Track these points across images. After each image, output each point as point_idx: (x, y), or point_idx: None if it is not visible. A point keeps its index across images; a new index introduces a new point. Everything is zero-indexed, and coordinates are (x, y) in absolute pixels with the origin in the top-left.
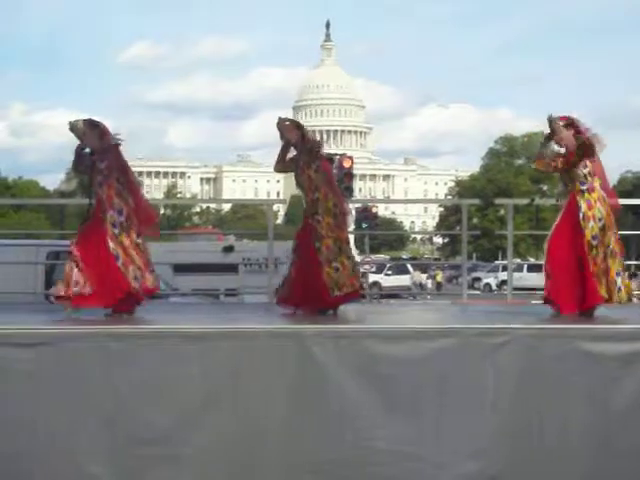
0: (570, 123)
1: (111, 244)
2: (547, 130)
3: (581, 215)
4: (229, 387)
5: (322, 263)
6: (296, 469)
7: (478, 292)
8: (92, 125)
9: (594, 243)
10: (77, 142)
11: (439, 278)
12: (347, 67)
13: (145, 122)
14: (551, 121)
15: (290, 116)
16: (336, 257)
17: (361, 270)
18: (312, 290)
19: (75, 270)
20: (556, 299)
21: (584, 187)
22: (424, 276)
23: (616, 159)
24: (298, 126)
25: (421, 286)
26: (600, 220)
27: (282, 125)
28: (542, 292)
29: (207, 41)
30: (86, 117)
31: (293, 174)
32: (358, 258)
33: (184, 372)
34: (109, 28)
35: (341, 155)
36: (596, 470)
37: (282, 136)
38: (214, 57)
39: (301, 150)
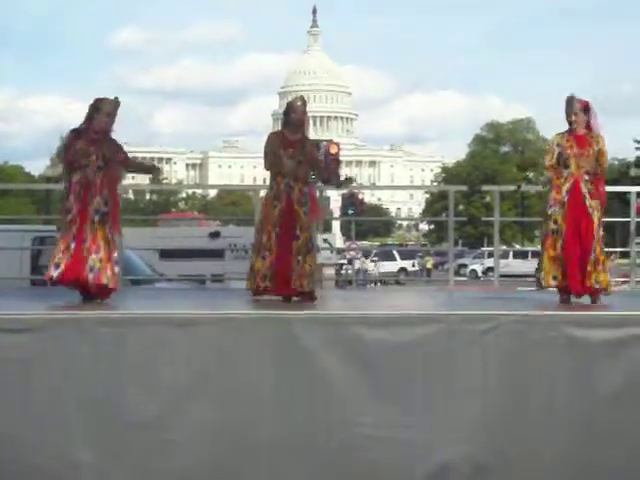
0: (587, 109)
1: (87, 228)
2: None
3: (587, 203)
4: (216, 372)
5: (294, 253)
6: (284, 454)
7: (465, 278)
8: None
9: (600, 233)
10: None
11: (429, 265)
12: (334, 53)
13: (131, 107)
14: (572, 99)
15: (276, 102)
16: (305, 252)
17: (347, 256)
18: (279, 276)
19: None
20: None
21: (588, 177)
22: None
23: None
24: (306, 113)
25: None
26: (598, 211)
27: (296, 105)
28: (528, 278)
29: (195, 26)
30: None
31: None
32: (344, 244)
33: (171, 357)
34: (99, 12)
35: (328, 141)
36: (582, 456)
37: (289, 113)
38: (202, 42)
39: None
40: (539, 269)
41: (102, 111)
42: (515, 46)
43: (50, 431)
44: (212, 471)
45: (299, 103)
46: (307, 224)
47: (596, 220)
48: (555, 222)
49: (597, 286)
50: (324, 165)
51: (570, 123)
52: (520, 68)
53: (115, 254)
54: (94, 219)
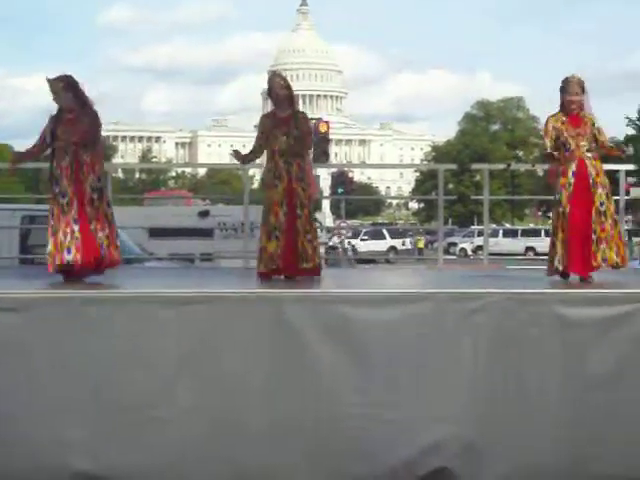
0: (584, 89)
1: (88, 208)
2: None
3: (591, 181)
4: (205, 351)
5: (299, 231)
6: (272, 434)
7: (454, 257)
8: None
9: (602, 209)
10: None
11: (421, 244)
12: (324, 32)
13: (121, 86)
14: (574, 79)
15: (265, 81)
16: (310, 229)
17: (338, 235)
18: (287, 257)
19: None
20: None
21: (590, 154)
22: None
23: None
24: (289, 87)
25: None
26: (605, 187)
27: (274, 82)
28: (517, 257)
29: (185, 5)
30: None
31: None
32: (334, 223)
33: (160, 336)
34: None
35: (317, 120)
36: (572, 433)
37: (271, 92)
38: (192, 21)
39: (293, 118)
40: (553, 254)
41: (52, 92)
42: (507, 23)
43: (39, 411)
44: (201, 451)
45: (277, 79)
46: (306, 200)
47: (597, 198)
48: (562, 205)
49: (603, 264)
50: (312, 142)
51: (570, 103)
52: (512, 45)
53: (115, 228)
54: (93, 197)
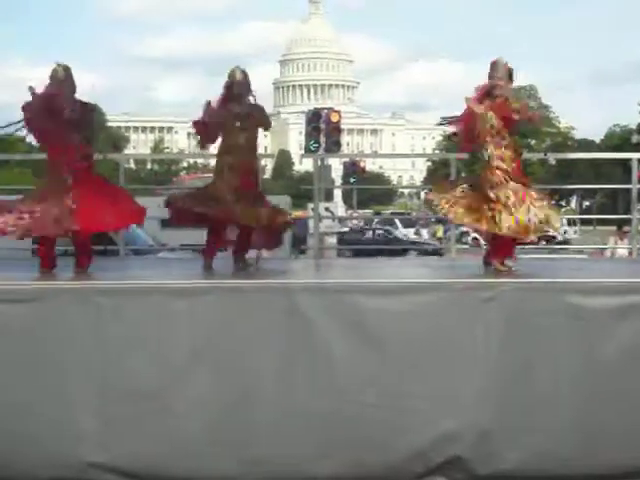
0: (510, 75)
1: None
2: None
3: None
4: (217, 342)
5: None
6: (286, 423)
7: (466, 246)
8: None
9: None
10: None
11: (440, 233)
12: (335, 21)
13: (132, 76)
14: (497, 63)
15: (277, 71)
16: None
17: (349, 224)
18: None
19: None
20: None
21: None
22: None
23: (604, 114)
24: (247, 83)
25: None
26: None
27: (234, 77)
28: (530, 246)
29: None
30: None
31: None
32: (346, 212)
33: (173, 327)
34: None
35: (329, 109)
36: (586, 422)
37: (231, 86)
38: (203, 10)
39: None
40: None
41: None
42: (521, 11)
43: (51, 401)
44: (214, 441)
45: (237, 73)
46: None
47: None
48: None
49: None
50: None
51: (493, 87)
52: (525, 34)
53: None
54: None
